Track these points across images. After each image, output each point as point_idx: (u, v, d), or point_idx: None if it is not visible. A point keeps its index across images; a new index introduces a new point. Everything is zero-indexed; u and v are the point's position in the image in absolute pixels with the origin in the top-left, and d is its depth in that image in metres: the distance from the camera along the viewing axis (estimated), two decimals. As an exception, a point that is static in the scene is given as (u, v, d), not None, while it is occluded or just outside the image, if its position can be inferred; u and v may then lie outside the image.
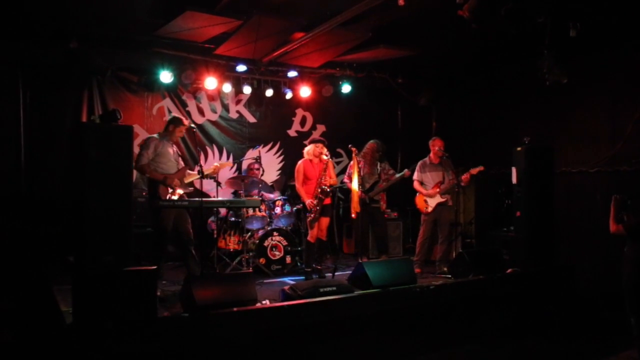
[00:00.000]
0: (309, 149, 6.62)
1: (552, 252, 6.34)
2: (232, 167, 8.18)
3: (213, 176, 6.40)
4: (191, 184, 6.26)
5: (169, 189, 5.65)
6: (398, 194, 7.92)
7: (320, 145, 6.55)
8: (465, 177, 6.78)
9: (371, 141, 7.12)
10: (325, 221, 6.54)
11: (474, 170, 6.77)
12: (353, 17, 5.80)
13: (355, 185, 6.46)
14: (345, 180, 6.99)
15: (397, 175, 7.01)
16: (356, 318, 4.90)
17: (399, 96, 8.98)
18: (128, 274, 4.19)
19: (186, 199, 5.68)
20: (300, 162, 6.66)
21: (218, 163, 6.57)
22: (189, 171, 6.10)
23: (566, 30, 5.37)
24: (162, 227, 5.61)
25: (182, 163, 5.97)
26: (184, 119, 6.06)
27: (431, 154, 7.04)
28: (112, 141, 4.30)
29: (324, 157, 6.45)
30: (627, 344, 4.90)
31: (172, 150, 5.85)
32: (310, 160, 6.59)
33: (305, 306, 4.72)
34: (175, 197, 5.61)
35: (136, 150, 5.86)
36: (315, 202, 6.37)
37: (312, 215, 6.39)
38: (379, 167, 7.02)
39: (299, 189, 6.56)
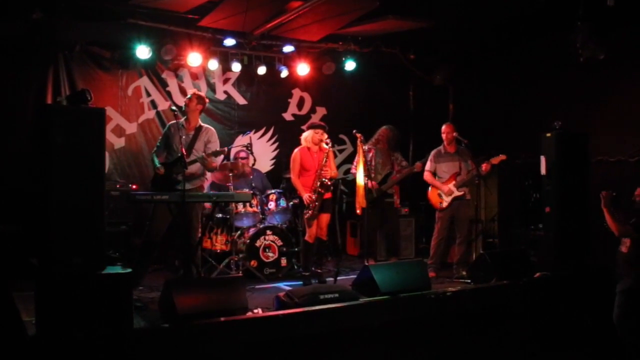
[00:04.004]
0: (306, 136, 6.57)
1: (586, 252, 6.35)
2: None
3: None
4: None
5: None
6: (409, 187, 7.90)
7: (320, 131, 6.51)
8: (485, 166, 6.75)
9: (385, 127, 7.13)
10: (325, 218, 6.52)
11: (495, 160, 6.75)
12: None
13: (360, 177, 6.43)
14: (353, 170, 6.96)
15: (408, 169, 7.00)
16: (362, 329, 4.89)
17: (410, 74, 8.98)
18: (100, 278, 4.17)
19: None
20: (296, 150, 6.61)
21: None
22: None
23: (603, -1, 5.34)
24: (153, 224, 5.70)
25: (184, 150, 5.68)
26: (203, 94, 6.16)
27: (444, 142, 7.03)
28: (82, 126, 4.28)
29: (325, 146, 6.43)
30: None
31: (178, 135, 5.76)
32: (309, 149, 6.55)
33: (303, 315, 4.71)
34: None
35: None
36: (314, 196, 6.35)
37: (310, 212, 6.36)
38: (392, 157, 7.00)
39: (295, 181, 6.52)
